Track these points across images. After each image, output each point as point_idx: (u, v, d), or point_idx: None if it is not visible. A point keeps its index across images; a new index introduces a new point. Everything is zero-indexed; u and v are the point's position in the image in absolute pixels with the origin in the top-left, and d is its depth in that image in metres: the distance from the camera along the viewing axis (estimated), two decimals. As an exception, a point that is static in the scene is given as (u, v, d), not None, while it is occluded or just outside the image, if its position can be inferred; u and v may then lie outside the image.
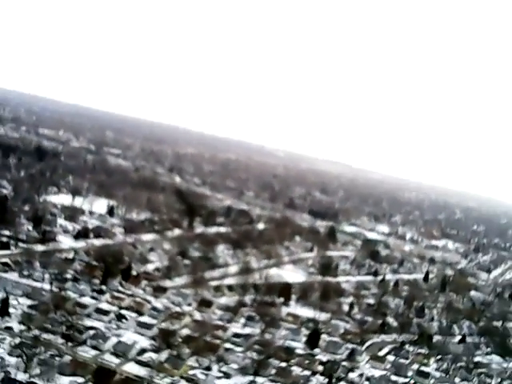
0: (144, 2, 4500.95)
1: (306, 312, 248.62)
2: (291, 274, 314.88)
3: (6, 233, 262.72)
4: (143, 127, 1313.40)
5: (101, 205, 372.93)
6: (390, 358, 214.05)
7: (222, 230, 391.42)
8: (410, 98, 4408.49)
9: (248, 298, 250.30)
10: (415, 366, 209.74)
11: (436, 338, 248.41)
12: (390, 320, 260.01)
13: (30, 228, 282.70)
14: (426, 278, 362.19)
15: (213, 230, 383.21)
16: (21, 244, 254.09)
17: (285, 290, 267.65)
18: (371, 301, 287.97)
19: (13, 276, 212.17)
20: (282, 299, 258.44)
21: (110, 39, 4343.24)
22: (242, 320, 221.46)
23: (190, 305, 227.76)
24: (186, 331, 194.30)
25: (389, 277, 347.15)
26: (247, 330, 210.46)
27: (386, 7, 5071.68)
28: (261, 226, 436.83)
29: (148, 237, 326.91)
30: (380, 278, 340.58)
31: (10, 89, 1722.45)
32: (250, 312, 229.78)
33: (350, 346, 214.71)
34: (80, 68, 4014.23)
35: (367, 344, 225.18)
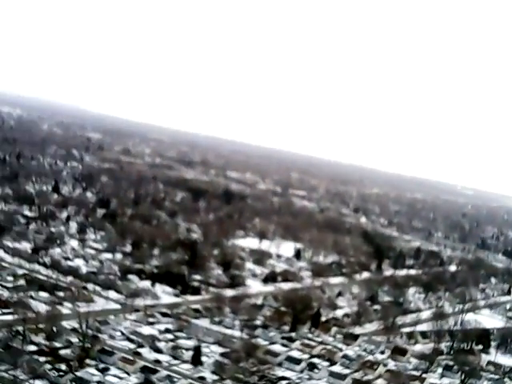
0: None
1: (508, 361, 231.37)
2: (488, 319, 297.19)
3: (197, 277, 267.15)
4: (328, 168, 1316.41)
5: (287, 248, 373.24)
6: None
7: (412, 272, 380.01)
8: None
9: (444, 346, 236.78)
10: None
11: None
12: None
13: (220, 272, 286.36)
14: None
15: (402, 272, 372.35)
16: (211, 289, 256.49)
17: (483, 336, 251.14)
18: None
19: (204, 322, 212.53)
20: (480, 346, 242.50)
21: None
22: (439, 370, 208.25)
23: (382, 353, 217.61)
24: (380, 382, 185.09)
25: None
26: (445, 381, 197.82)
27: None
28: (452, 267, 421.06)
29: (336, 280, 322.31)
30: None
31: (199, 132, 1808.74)
32: (447, 361, 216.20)
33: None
34: (265, 111, 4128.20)
35: None
